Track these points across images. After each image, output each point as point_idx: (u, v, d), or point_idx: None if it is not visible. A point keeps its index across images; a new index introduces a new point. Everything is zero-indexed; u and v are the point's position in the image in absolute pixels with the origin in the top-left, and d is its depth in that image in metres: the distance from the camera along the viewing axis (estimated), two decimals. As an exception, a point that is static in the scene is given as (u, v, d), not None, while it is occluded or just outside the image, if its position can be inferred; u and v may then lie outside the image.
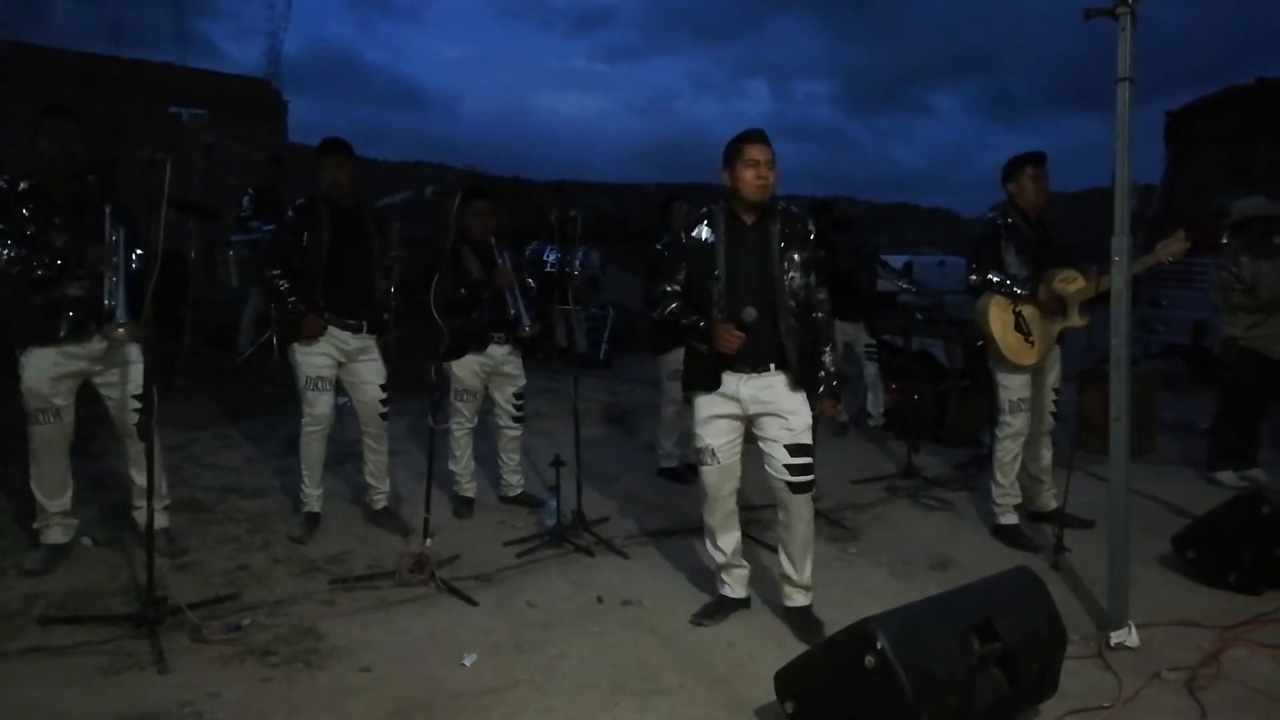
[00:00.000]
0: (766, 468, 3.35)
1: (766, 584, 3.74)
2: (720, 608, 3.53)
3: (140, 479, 3.82)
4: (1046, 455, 4.58)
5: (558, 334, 8.63)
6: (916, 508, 5.05)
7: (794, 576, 3.42)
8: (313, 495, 4.33)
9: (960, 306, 6.73)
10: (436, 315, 4.03)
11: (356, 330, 4.22)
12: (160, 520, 3.81)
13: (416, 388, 4.49)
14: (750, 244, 3.31)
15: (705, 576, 3.95)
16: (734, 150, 3.28)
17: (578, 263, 8.92)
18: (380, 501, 4.47)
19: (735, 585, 3.55)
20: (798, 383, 3.31)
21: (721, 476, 3.41)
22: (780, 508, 3.38)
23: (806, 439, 3.31)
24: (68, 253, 3.47)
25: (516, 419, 4.83)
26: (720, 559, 3.52)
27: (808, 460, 3.30)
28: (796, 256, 3.31)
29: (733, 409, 3.34)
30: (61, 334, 3.53)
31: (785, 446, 3.27)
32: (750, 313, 3.19)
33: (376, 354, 4.33)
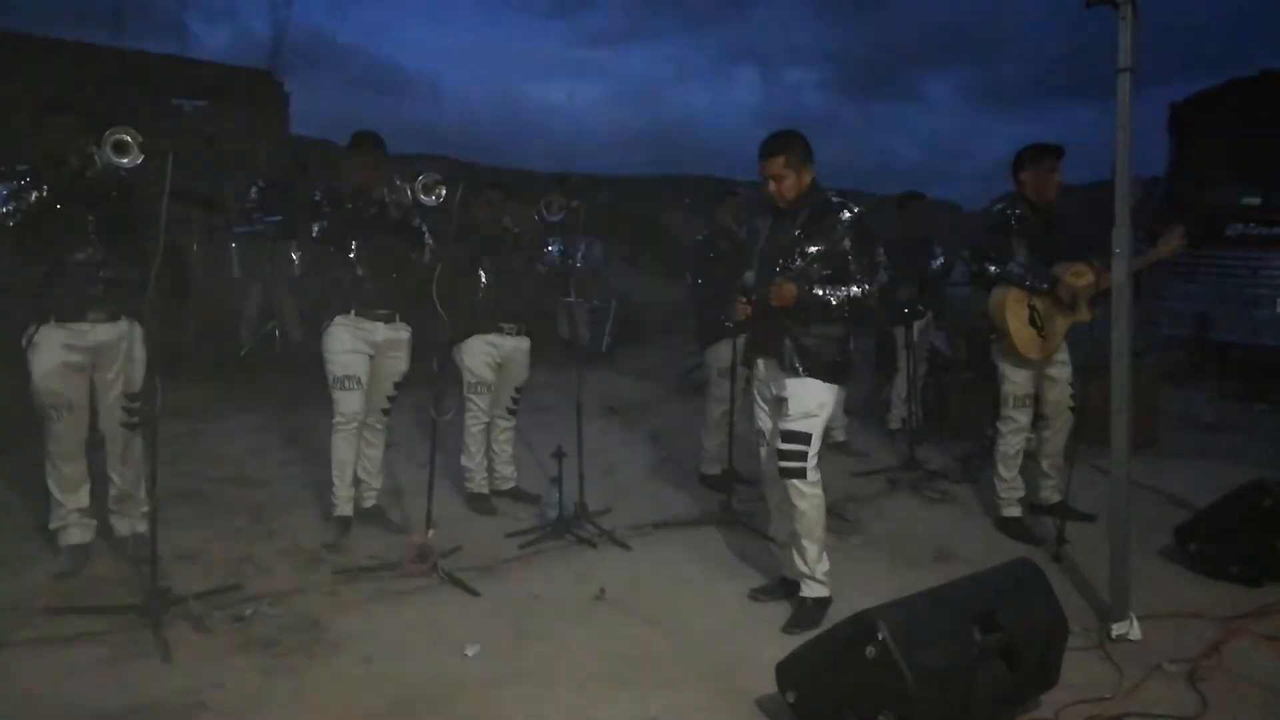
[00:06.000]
0: None
1: (763, 571, 3.76)
2: (778, 588, 3.64)
3: (119, 479, 3.81)
4: (1060, 450, 4.53)
5: (560, 326, 8.62)
6: (919, 500, 5.05)
7: (795, 563, 3.47)
8: (343, 497, 4.21)
9: (964, 299, 6.70)
10: (438, 305, 4.03)
11: (388, 320, 4.18)
12: (139, 525, 3.79)
13: (418, 380, 4.47)
14: (779, 230, 3.47)
15: (707, 567, 3.97)
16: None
17: (580, 254, 8.92)
18: (370, 499, 4.40)
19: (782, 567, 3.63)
20: (796, 370, 3.36)
21: (769, 458, 3.53)
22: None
23: (800, 426, 3.34)
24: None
25: (511, 411, 4.83)
26: (780, 540, 3.64)
27: (797, 447, 3.34)
28: (812, 248, 3.37)
29: (765, 391, 3.53)
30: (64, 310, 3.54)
31: (780, 431, 3.38)
32: (749, 277, 3.45)
33: (404, 349, 4.27)
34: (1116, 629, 3.25)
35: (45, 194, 3.39)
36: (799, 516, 3.39)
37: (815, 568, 3.42)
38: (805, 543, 3.41)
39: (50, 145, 3.51)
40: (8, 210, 3.36)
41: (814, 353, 3.36)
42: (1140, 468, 3.82)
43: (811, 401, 3.35)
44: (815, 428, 3.36)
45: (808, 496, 3.37)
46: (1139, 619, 3.27)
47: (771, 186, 3.41)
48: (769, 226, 3.52)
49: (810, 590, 3.44)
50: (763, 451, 3.59)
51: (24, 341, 3.54)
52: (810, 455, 3.35)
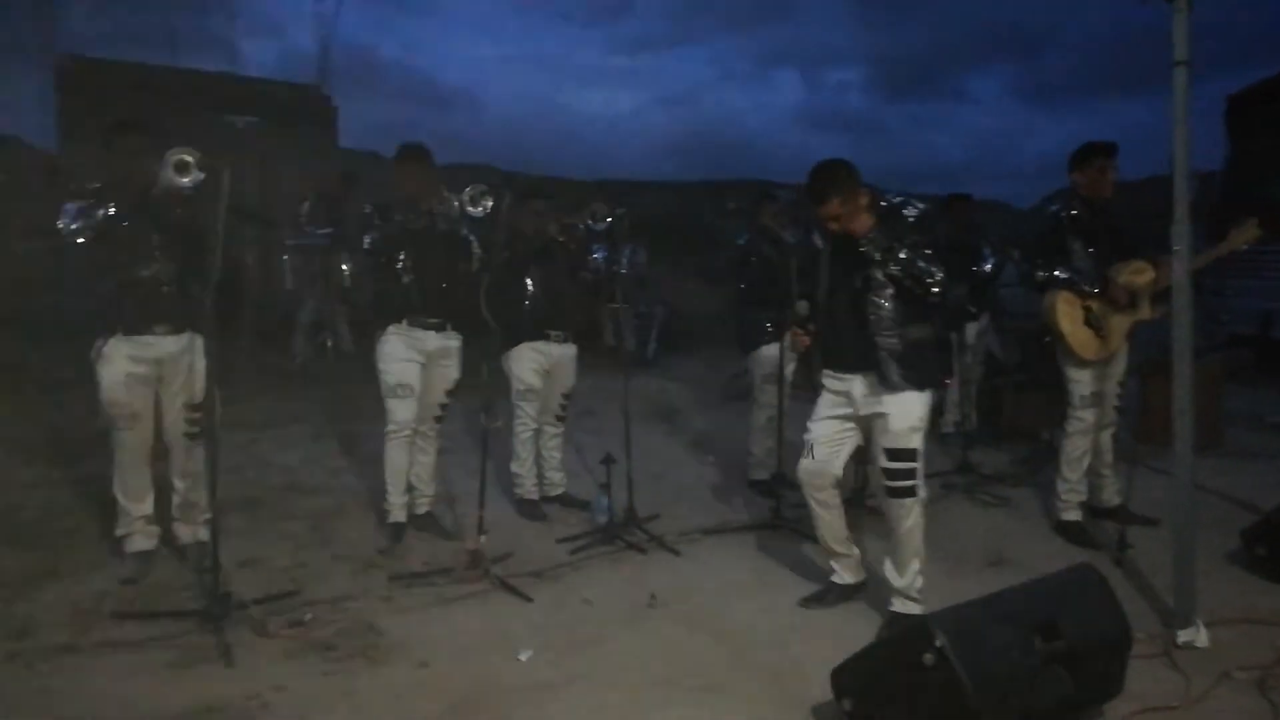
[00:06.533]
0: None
1: (814, 577, 3.73)
2: (829, 593, 3.61)
3: (182, 488, 3.88)
4: (1109, 449, 4.47)
5: (606, 333, 8.67)
6: (973, 504, 4.98)
7: (889, 578, 3.43)
8: (397, 504, 4.27)
9: (1015, 300, 6.60)
10: (486, 315, 4.07)
11: (439, 329, 4.24)
12: (201, 533, 3.85)
13: (468, 387, 4.52)
14: (843, 248, 3.36)
15: (757, 573, 3.97)
16: None
17: (625, 261, 8.97)
18: (423, 505, 4.44)
19: (843, 572, 3.60)
20: (899, 383, 3.26)
21: (818, 468, 3.46)
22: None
23: (907, 443, 3.28)
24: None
25: (560, 418, 4.86)
26: (834, 545, 3.59)
27: (907, 465, 3.28)
28: (881, 256, 3.24)
29: (843, 406, 3.41)
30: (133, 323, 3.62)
31: (885, 450, 3.31)
32: (803, 306, 3.34)
33: (455, 358, 4.32)
34: (1182, 636, 3.17)
35: (113, 212, 3.49)
36: (905, 535, 3.33)
37: (913, 584, 3.37)
38: (908, 559, 3.36)
39: (119, 164, 3.61)
40: (78, 227, 3.45)
41: (911, 360, 3.26)
42: (1204, 469, 3.72)
43: (914, 415, 3.29)
44: (920, 442, 3.31)
45: (915, 514, 3.32)
46: (1206, 625, 3.19)
47: (833, 225, 3.30)
48: (830, 247, 3.42)
49: (903, 606, 3.38)
50: (809, 459, 3.48)
51: (93, 354, 3.65)
52: (920, 471, 3.31)
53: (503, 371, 4.64)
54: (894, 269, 3.19)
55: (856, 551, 3.61)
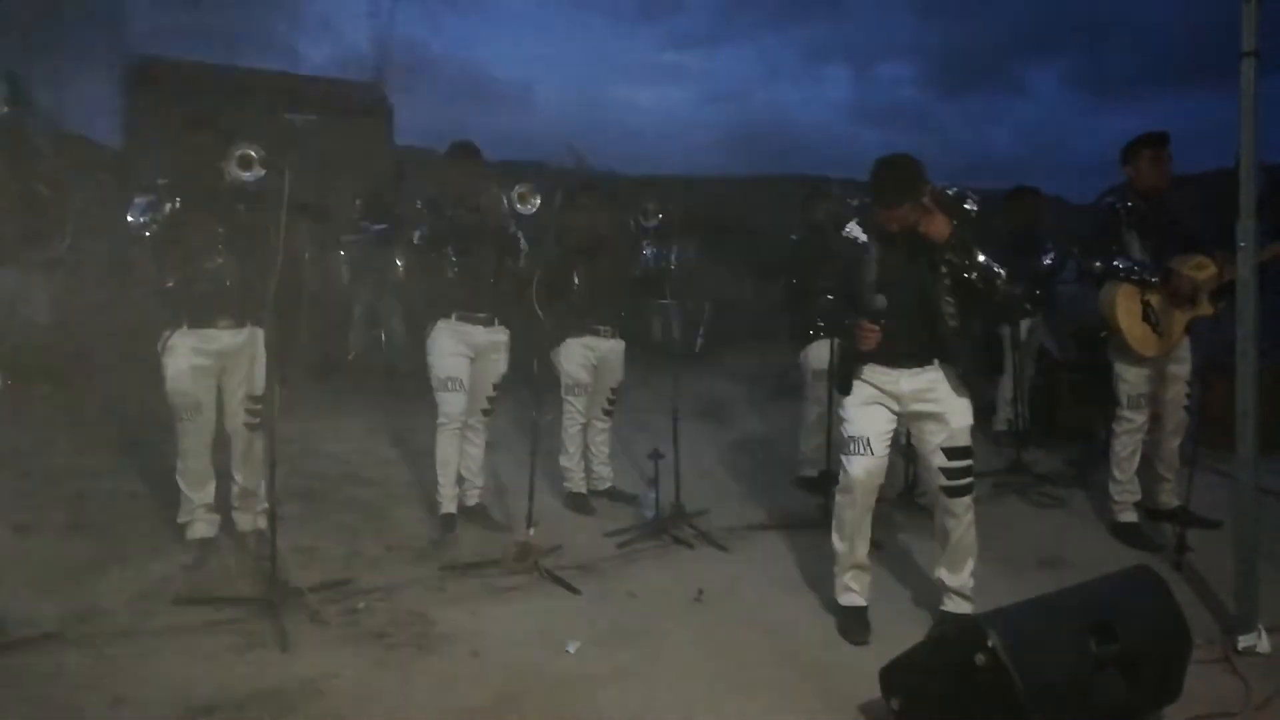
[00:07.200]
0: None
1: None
2: (855, 620, 3.39)
3: (241, 477, 3.99)
4: (1175, 454, 4.36)
5: (654, 328, 8.68)
6: (1026, 504, 4.90)
7: (943, 578, 3.40)
8: (448, 495, 4.33)
9: (1072, 296, 6.46)
10: (537, 308, 4.11)
11: (487, 323, 4.30)
12: (260, 521, 3.94)
13: (517, 381, 4.57)
14: (901, 246, 3.27)
15: (806, 570, 3.94)
16: None
17: (673, 257, 8.96)
18: (473, 497, 4.50)
19: (861, 591, 3.43)
20: (969, 380, 3.25)
21: (879, 464, 3.33)
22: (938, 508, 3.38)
23: (965, 441, 3.27)
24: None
25: (607, 412, 4.89)
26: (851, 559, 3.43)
27: (966, 463, 3.27)
28: (950, 254, 3.18)
29: (889, 402, 3.32)
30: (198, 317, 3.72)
31: (944, 449, 3.26)
32: (880, 300, 3.17)
33: (504, 351, 4.38)
34: (1243, 641, 3.10)
35: (179, 205, 3.59)
36: (964, 534, 3.30)
37: (968, 583, 3.34)
38: (964, 557, 3.33)
39: (186, 161, 3.71)
40: (145, 220, 3.57)
41: (970, 359, 3.26)
42: (1267, 472, 3.61)
43: (969, 413, 3.29)
44: (970, 439, 3.30)
45: (972, 510, 3.30)
46: (1267, 631, 3.12)
47: (894, 226, 3.20)
48: (880, 243, 3.29)
49: (955, 605, 3.35)
50: (868, 455, 3.28)
51: (159, 346, 3.76)
52: (973, 469, 3.29)
53: (551, 366, 4.68)
54: (969, 274, 3.15)
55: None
